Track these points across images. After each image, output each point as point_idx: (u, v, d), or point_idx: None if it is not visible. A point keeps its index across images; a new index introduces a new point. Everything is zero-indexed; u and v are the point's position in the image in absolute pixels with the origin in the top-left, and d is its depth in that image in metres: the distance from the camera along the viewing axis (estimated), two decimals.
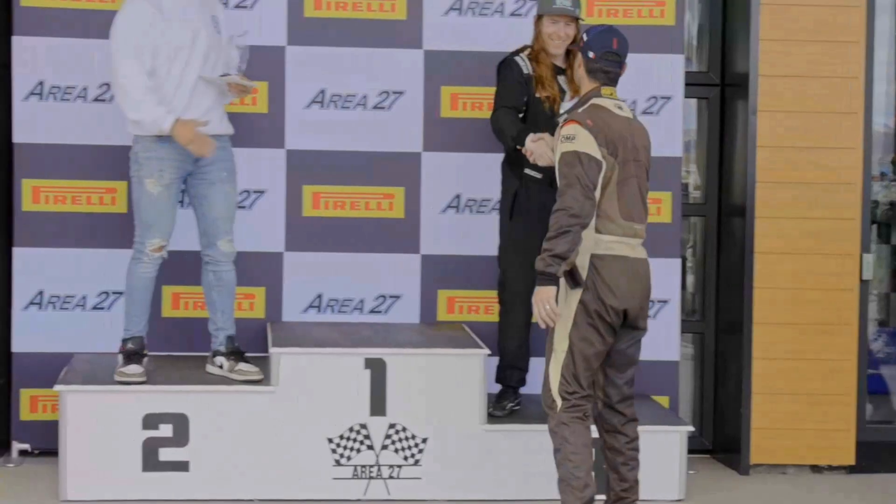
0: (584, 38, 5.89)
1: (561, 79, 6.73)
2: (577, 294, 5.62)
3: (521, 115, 6.71)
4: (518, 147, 6.48)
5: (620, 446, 5.87)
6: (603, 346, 5.68)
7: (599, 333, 5.66)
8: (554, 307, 5.44)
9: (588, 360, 5.67)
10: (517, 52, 6.75)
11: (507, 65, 6.70)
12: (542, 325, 5.54)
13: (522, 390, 7.09)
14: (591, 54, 5.79)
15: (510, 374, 6.95)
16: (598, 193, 5.55)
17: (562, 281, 5.62)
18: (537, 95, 6.63)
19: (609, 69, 5.83)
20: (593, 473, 5.71)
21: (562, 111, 6.57)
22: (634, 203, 5.73)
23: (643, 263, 5.75)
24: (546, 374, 5.78)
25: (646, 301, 5.83)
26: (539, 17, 6.70)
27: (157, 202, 6.57)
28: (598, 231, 5.62)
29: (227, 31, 6.79)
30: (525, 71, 6.64)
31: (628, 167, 5.72)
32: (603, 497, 6.09)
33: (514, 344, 6.87)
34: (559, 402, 5.71)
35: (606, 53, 5.80)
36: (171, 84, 6.54)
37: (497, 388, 7.03)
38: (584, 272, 5.61)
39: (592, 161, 5.53)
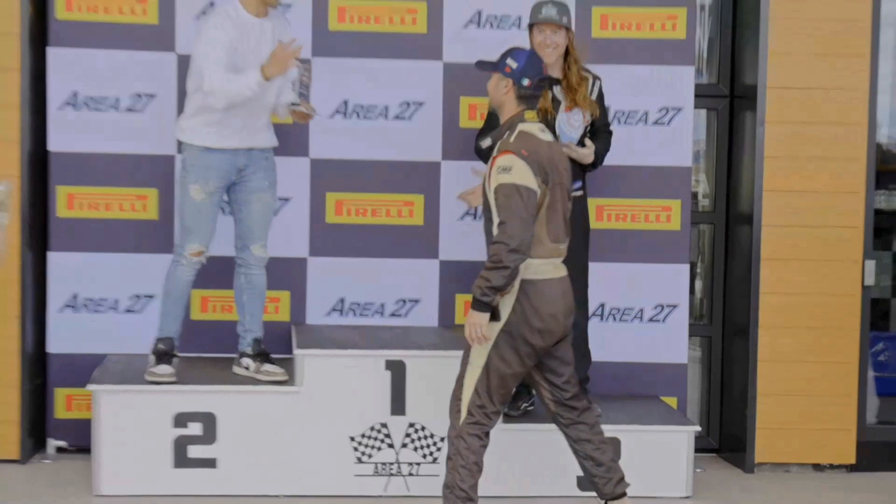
0: (512, 64, 5.90)
1: (556, 88, 6.75)
2: (503, 314, 5.71)
3: None
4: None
5: (586, 435, 5.95)
6: (521, 368, 5.76)
7: (520, 357, 5.73)
8: (486, 333, 5.56)
9: (504, 379, 5.76)
10: None
11: None
12: (470, 343, 5.65)
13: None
14: (525, 82, 5.84)
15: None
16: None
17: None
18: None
19: (538, 95, 5.95)
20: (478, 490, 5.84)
21: (559, 123, 6.64)
22: (559, 224, 5.82)
23: (566, 281, 5.83)
24: (460, 382, 5.85)
25: (570, 316, 5.86)
26: (530, 29, 6.78)
27: (199, 208, 6.68)
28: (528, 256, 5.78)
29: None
30: None
31: (555, 191, 5.79)
32: (593, 494, 6.22)
33: None
34: (464, 415, 5.81)
35: (541, 81, 5.91)
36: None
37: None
38: (512, 296, 5.65)
39: (531, 193, 5.59)
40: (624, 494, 5.99)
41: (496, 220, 5.66)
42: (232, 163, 6.64)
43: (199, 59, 6.57)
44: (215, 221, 6.80)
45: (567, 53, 6.80)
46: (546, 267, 5.75)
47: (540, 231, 5.73)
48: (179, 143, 6.86)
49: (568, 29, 6.72)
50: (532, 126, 5.82)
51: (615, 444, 6.77)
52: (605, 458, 6.00)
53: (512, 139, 5.74)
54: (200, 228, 6.73)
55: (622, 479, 6.01)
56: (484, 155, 6.70)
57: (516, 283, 5.66)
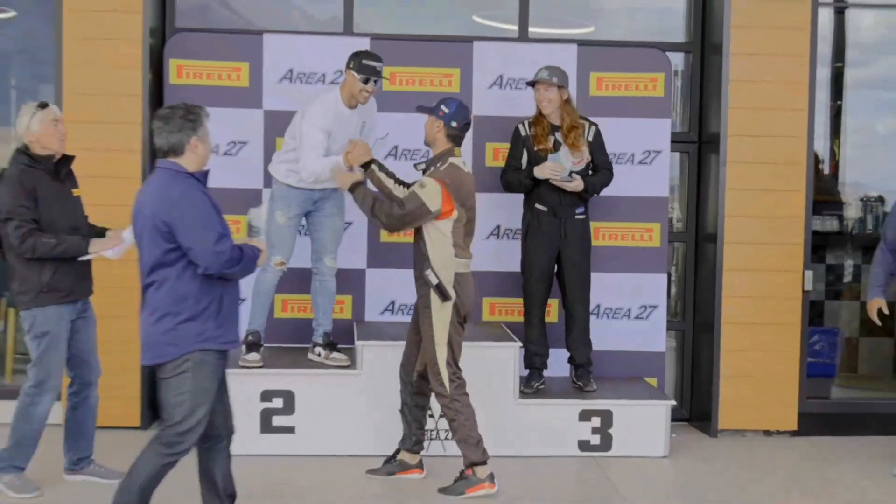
0: (444, 109, 6.40)
1: (558, 133, 7.27)
2: (449, 303, 6.33)
3: (524, 166, 7.32)
4: (529, 178, 7.21)
5: (427, 403, 6.68)
6: (463, 334, 6.48)
7: (462, 327, 6.45)
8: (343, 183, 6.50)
9: (459, 345, 6.44)
10: (525, 119, 7.40)
11: (513, 131, 7.44)
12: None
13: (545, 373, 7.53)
14: (454, 124, 6.40)
15: (535, 359, 7.45)
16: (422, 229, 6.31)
17: (432, 293, 6.31)
18: (536, 149, 7.32)
19: (462, 136, 6.49)
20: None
21: (560, 156, 7.16)
22: (470, 236, 6.50)
23: (473, 276, 6.51)
24: (434, 361, 6.36)
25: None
26: (533, 87, 7.31)
27: (282, 229, 7.12)
28: (456, 256, 6.37)
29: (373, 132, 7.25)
30: (523, 133, 7.38)
31: (470, 212, 6.47)
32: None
33: (535, 334, 7.42)
34: (448, 383, 6.38)
35: (465, 125, 6.47)
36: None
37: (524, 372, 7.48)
38: (449, 286, 6.33)
39: (426, 210, 6.27)
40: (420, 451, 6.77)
41: (395, 197, 6.42)
42: (309, 196, 7.14)
43: (301, 133, 6.96)
44: (294, 240, 7.19)
45: (566, 105, 7.29)
46: (466, 265, 6.43)
47: (462, 240, 6.41)
48: (271, 177, 7.20)
49: (560, 87, 7.22)
50: (458, 160, 6.44)
51: (608, 415, 7.19)
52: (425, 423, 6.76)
53: (443, 168, 6.38)
54: (282, 244, 7.13)
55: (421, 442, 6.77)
56: (511, 187, 7.37)
57: (452, 275, 6.32)
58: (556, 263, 7.45)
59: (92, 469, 6.55)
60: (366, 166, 6.73)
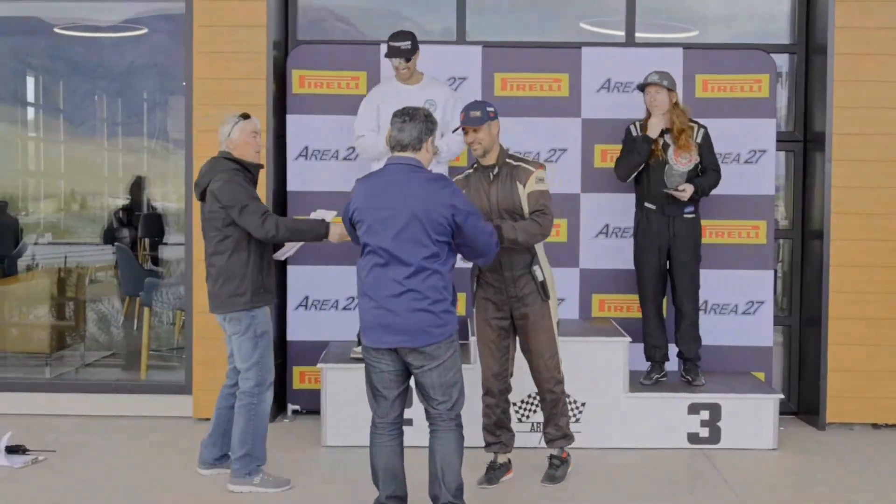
0: (490, 109, 6.22)
1: (668, 135, 7.29)
2: (554, 301, 6.36)
3: None
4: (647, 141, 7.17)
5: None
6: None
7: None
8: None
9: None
10: (636, 121, 7.42)
11: (625, 132, 7.46)
12: None
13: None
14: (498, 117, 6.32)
15: (654, 352, 7.49)
16: None
17: (546, 280, 6.27)
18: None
19: None
20: None
21: (669, 157, 7.22)
22: None
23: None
24: (555, 352, 6.36)
25: None
26: (642, 91, 7.34)
27: None
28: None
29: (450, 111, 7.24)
30: (634, 134, 7.38)
31: None
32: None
33: (652, 328, 7.46)
34: (562, 376, 6.46)
35: None
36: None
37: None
38: (552, 282, 6.35)
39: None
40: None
41: (527, 210, 6.14)
42: None
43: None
44: None
45: (675, 108, 7.31)
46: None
47: None
48: None
49: (669, 90, 7.25)
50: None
51: (717, 408, 7.16)
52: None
53: (530, 158, 6.42)
54: None
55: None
56: (629, 165, 7.28)
57: (551, 270, 6.34)
58: (667, 260, 7.48)
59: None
60: None
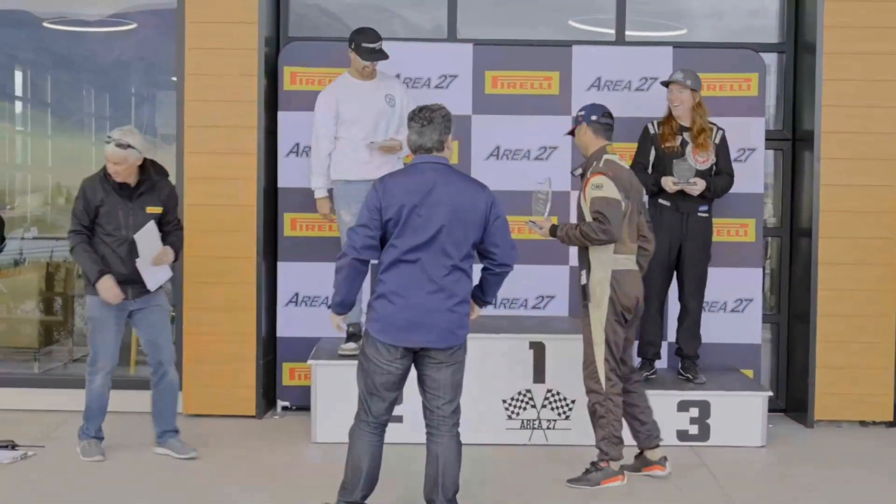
0: (581, 112, 6.48)
1: (686, 134, 7.35)
2: (604, 301, 6.28)
3: (650, 162, 7.40)
4: (655, 185, 7.26)
5: (635, 400, 6.54)
6: (624, 334, 6.39)
7: (622, 326, 6.36)
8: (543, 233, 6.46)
9: (618, 345, 6.36)
10: (655, 119, 7.46)
11: (642, 130, 7.50)
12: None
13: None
14: (593, 117, 6.42)
15: (647, 349, 7.53)
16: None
17: (589, 287, 6.27)
18: (663, 146, 7.39)
19: (607, 125, 6.46)
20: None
21: (687, 155, 7.29)
22: (634, 230, 6.36)
23: (638, 272, 6.42)
24: (591, 359, 6.34)
25: (642, 299, 6.44)
26: (667, 87, 7.39)
27: (348, 226, 6.97)
28: (615, 252, 6.29)
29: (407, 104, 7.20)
30: (652, 132, 7.45)
31: (633, 205, 6.37)
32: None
33: (651, 323, 7.47)
34: (604, 384, 6.34)
35: (605, 114, 6.47)
36: (352, 144, 7.22)
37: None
38: (603, 285, 6.26)
39: (616, 202, 6.21)
40: (657, 445, 6.59)
41: (588, 217, 6.25)
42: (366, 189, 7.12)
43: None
44: None
45: (697, 108, 7.36)
46: (628, 260, 6.37)
47: (623, 234, 6.30)
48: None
49: (693, 90, 7.31)
50: (613, 156, 6.41)
51: (706, 405, 7.19)
52: (647, 419, 6.58)
53: (601, 165, 6.33)
54: None
55: (657, 436, 6.60)
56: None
57: (609, 273, 6.26)
58: (676, 258, 7.51)
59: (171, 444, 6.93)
60: None
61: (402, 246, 5.28)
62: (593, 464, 6.47)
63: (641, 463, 6.64)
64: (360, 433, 5.53)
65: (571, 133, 6.64)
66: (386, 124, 7.32)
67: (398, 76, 7.79)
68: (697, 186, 7.31)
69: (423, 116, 5.41)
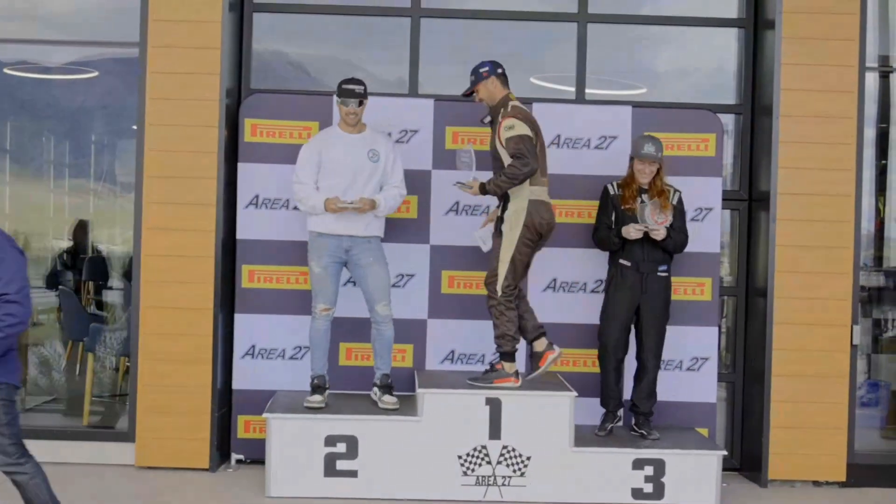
0: (482, 69, 7.22)
1: (645, 196, 7.40)
2: (518, 225, 7.03)
3: (612, 221, 7.47)
4: (618, 237, 7.40)
5: (521, 309, 7.30)
6: (529, 258, 7.20)
7: (529, 249, 7.14)
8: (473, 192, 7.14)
9: (524, 265, 7.20)
10: (613, 180, 7.54)
11: (602, 191, 7.59)
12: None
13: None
14: (499, 70, 7.20)
15: (608, 401, 7.55)
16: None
17: (506, 215, 7.06)
18: (623, 208, 7.45)
19: (506, 74, 7.25)
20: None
21: (647, 213, 7.34)
22: (545, 163, 7.16)
23: (549, 202, 7.17)
24: (494, 272, 7.14)
25: (552, 225, 7.16)
26: (632, 157, 7.46)
27: (319, 277, 7.28)
28: (530, 184, 7.03)
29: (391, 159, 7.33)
30: (612, 192, 7.51)
31: (540, 138, 7.16)
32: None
33: (612, 380, 7.51)
34: (499, 290, 7.14)
35: (500, 65, 7.24)
36: (330, 196, 7.20)
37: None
38: (524, 211, 7.02)
39: (528, 138, 6.99)
40: (541, 335, 7.29)
41: (506, 159, 6.99)
42: (338, 244, 7.29)
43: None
44: (335, 286, 7.32)
45: (657, 172, 7.44)
46: (542, 191, 7.11)
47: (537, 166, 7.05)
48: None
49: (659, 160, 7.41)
50: (516, 102, 7.18)
51: (661, 464, 7.17)
52: (530, 318, 7.33)
53: (509, 110, 7.08)
54: (323, 292, 7.31)
55: (539, 326, 7.31)
56: (603, 244, 7.56)
57: (526, 203, 7.02)
58: (635, 315, 7.56)
59: None
60: None
61: None
62: (491, 364, 7.43)
63: (536, 360, 7.28)
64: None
65: (472, 92, 7.29)
66: (366, 179, 7.29)
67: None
68: (660, 231, 7.35)
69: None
